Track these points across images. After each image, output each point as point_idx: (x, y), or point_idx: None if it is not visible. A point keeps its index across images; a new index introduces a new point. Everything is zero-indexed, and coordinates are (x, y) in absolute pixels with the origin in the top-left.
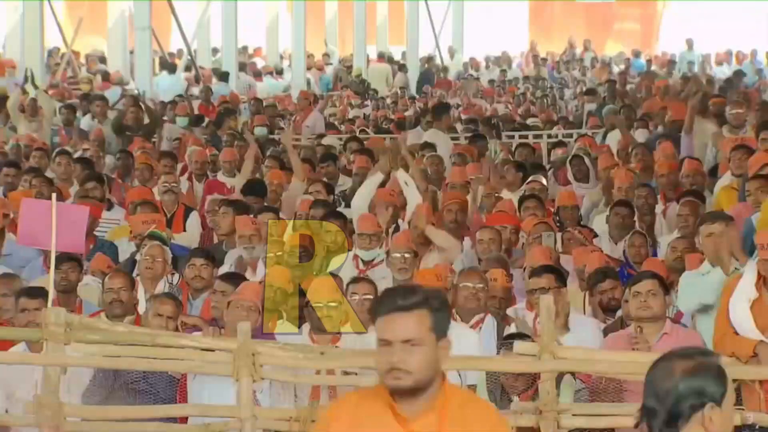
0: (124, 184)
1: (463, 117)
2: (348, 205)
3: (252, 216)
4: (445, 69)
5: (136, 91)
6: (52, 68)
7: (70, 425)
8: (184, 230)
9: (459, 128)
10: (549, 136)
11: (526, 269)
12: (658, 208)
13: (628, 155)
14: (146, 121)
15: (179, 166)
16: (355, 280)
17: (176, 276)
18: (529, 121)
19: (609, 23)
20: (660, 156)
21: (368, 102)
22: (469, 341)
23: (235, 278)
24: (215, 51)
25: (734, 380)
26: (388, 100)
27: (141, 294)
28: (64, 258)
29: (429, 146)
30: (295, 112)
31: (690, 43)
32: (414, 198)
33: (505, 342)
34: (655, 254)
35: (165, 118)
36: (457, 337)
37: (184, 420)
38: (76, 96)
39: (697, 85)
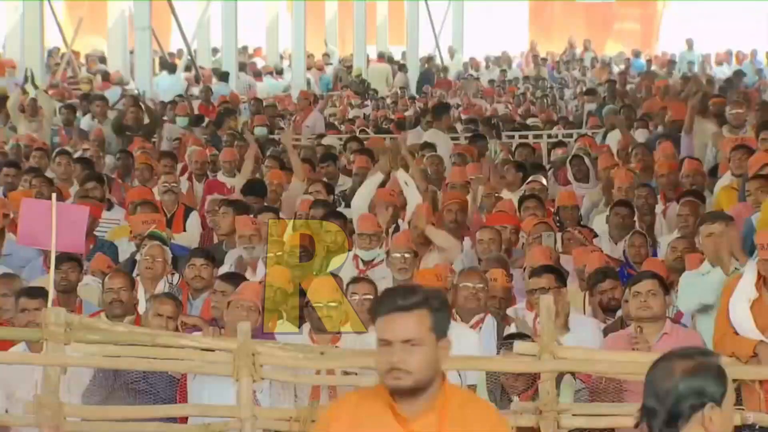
0: (124, 184)
1: (463, 117)
2: (348, 205)
3: (252, 216)
4: (445, 69)
5: (136, 91)
6: (52, 68)
7: (70, 425)
8: (184, 230)
9: (459, 128)
10: (549, 136)
11: (526, 269)
12: (658, 208)
13: (628, 155)
14: (146, 121)
15: (179, 166)
16: (355, 280)
17: (176, 276)
18: (529, 121)
19: (609, 23)
20: (660, 156)
21: (368, 102)
22: (469, 341)
23: (235, 278)
24: (215, 51)
25: (734, 380)
26: (388, 100)
27: (141, 294)
28: (64, 258)
29: (429, 146)
30: (295, 112)
31: (690, 43)
32: (414, 198)
33: (505, 342)
34: (655, 254)
35: (165, 118)
36: (457, 337)
37: (184, 420)
38: (76, 96)
39: (697, 85)
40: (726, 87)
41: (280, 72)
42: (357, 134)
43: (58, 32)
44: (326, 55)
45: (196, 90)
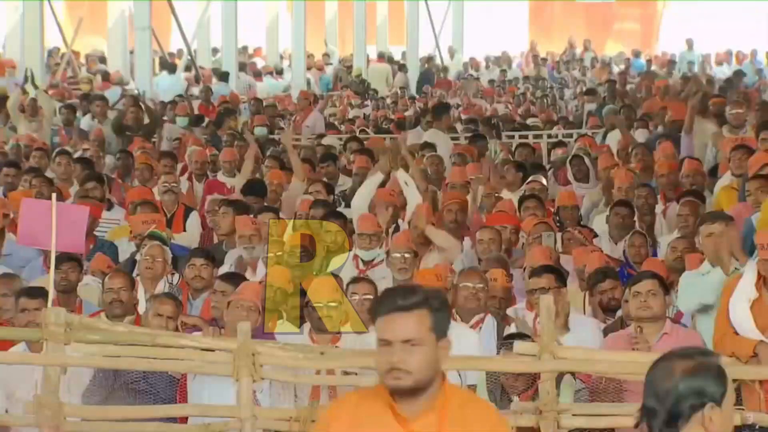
0: (124, 184)
1: (463, 117)
2: (348, 205)
3: (252, 216)
4: (445, 69)
5: (136, 91)
6: (52, 68)
7: (70, 425)
8: (184, 230)
9: (459, 128)
10: (549, 136)
11: (526, 269)
12: (658, 208)
13: (628, 155)
14: (146, 121)
15: (179, 166)
16: (355, 280)
17: (176, 276)
18: (529, 121)
19: (609, 23)
20: (660, 156)
21: (368, 102)
22: (469, 341)
23: (235, 278)
24: (215, 51)
25: (734, 380)
26: (388, 100)
27: (141, 294)
28: (64, 258)
29: (429, 146)
30: (295, 112)
31: (690, 43)
32: (414, 198)
33: (505, 342)
34: (655, 254)
35: (165, 118)
36: (457, 337)
37: (184, 420)
38: (76, 96)
39: (697, 85)
40: (726, 87)
41: (280, 72)
42: (357, 134)
43: (58, 32)
44: (326, 55)
45: (196, 90)
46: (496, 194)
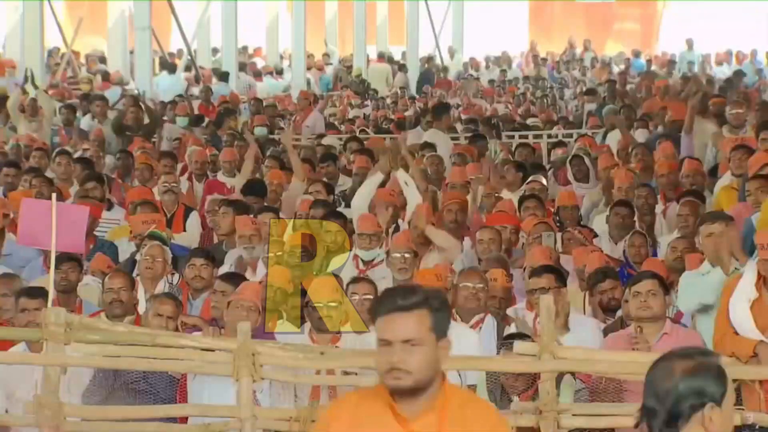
0: (124, 184)
1: (463, 117)
2: (348, 205)
3: (252, 216)
4: (445, 69)
5: (136, 91)
6: (52, 68)
7: (70, 425)
8: (184, 230)
9: (459, 128)
10: (549, 136)
11: (526, 269)
12: (658, 208)
13: (628, 155)
14: (146, 121)
15: (179, 166)
16: (355, 280)
17: (176, 276)
18: (529, 121)
19: (609, 23)
20: (660, 156)
21: (368, 102)
22: (469, 341)
23: (235, 278)
24: (215, 51)
25: (734, 380)
26: (388, 100)
27: (141, 294)
28: (64, 258)
29: (429, 146)
30: (295, 112)
31: (690, 43)
32: (414, 198)
33: (505, 342)
34: (655, 254)
35: (165, 118)
36: (457, 337)
37: (184, 420)
38: (76, 96)
39: (697, 85)
40: (726, 87)
41: (280, 72)
42: (357, 134)
43: (58, 32)
44: (326, 55)
45: (196, 90)
46: (496, 194)
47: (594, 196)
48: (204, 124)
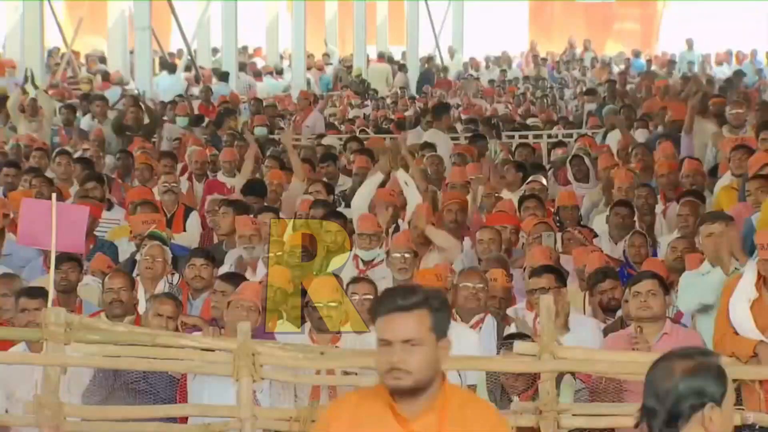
0: (124, 184)
1: (463, 117)
2: (348, 205)
3: (252, 216)
4: (445, 69)
5: (136, 91)
6: (52, 68)
7: (70, 425)
8: (184, 230)
9: (459, 128)
10: (549, 136)
11: (526, 269)
12: (658, 208)
13: (628, 155)
14: (146, 121)
15: (179, 166)
16: (355, 280)
17: (176, 276)
18: (529, 121)
19: (609, 23)
20: (660, 156)
21: (368, 102)
22: (469, 341)
23: (235, 278)
24: (215, 51)
25: (734, 380)
26: (388, 100)
27: (141, 294)
28: (64, 258)
29: (429, 146)
30: (295, 112)
31: (690, 43)
32: (414, 198)
33: (505, 342)
34: (655, 254)
35: (165, 118)
36: (457, 337)
37: (184, 420)
38: (76, 96)
39: (697, 85)
40: (726, 87)
41: (280, 72)
42: (357, 134)
43: (58, 32)
44: (326, 55)
45: (196, 90)
46: (496, 194)
47: (594, 196)
48: (204, 124)
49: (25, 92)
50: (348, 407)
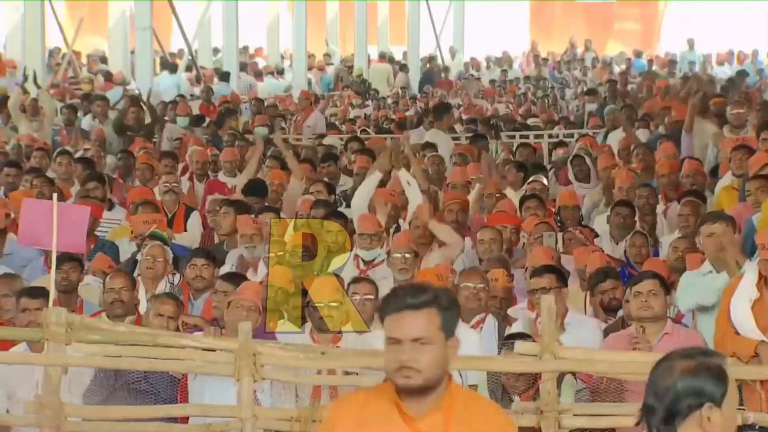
0: (125, 184)
1: (464, 117)
2: (349, 205)
3: (253, 216)
4: (446, 69)
5: (137, 91)
6: (53, 68)
7: (71, 425)
8: (185, 230)
9: (459, 129)
10: (550, 136)
11: (527, 269)
12: (659, 208)
13: (629, 155)
14: (147, 120)
15: (180, 166)
16: (355, 280)
17: (177, 276)
18: (530, 121)
19: (610, 23)
20: (661, 156)
21: (369, 102)
22: (470, 341)
23: (237, 278)
24: (216, 51)
25: (735, 380)
26: (389, 100)
27: (142, 294)
28: (65, 258)
29: (430, 146)
30: (296, 112)
31: (691, 43)
32: (416, 198)
33: (506, 342)
34: (656, 254)
35: (166, 118)
36: None
37: (185, 420)
38: (77, 96)
39: (698, 84)
40: (728, 87)
41: (281, 72)
42: (358, 134)
43: (59, 32)
44: (327, 55)
45: (197, 90)
46: (497, 194)
47: (595, 196)
48: (205, 124)
49: (25, 92)
50: (354, 406)
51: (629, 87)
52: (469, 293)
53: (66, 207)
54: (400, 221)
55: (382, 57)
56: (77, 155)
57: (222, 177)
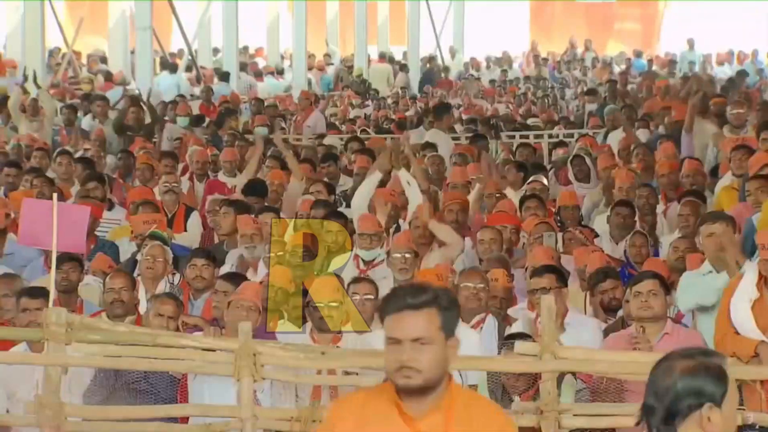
0: (125, 184)
1: (464, 117)
2: (349, 205)
3: (253, 216)
4: (446, 69)
5: (137, 91)
6: (53, 68)
7: (71, 425)
8: (185, 230)
9: (459, 129)
10: (550, 136)
11: (527, 269)
12: (659, 208)
13: (629, 155)
14: (147, 120)
15: (180, 166)
16: (355, 280)
17: (177, 276)
18: (530, 121)
19: (610, 23)
20: (661, 156)
21: (369, 102)
22: (470, 341)
23: (237, 278)
24: (216, 51)
25: (735, 380)
26: (389, 100)
27: (142, 294)
28: (65, 258)
29: (430, 146)
30: (296, 112)
31: (691, 43)
32: (416, 198)
33: (506, 342)
34: (656, 254)
35: (166, 118)
36: None
37: (185, 420)
38: (77, 96)
39: (698, 84)
40: (728, 87)
41: (281, 72)
42: (358, 134)
43: (59, 32)
44: (327, 55)
45: (197, 90)
46: (497, 194)
47: (595, 196)
48: (205, 124)
49: (25, 92)
50: (354, 406)
51: (629, 87)
52: (469, 293)
53: (66, 207)
54: (400, 221)
55: (382, 57)
56: (77, 155)
57: (222, 177)
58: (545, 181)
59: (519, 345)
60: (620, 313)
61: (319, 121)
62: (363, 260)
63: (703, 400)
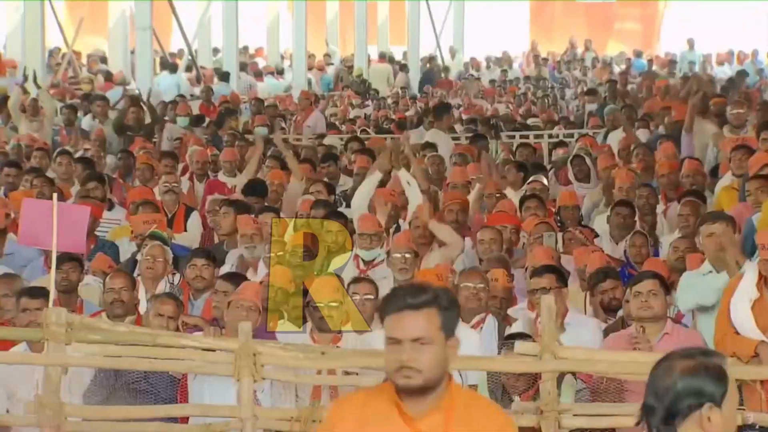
0: (125, 184)
1: (464, 117)
2: (349, 206)
3: (253, 216)
4: (446, 69)
5: (137, 91)
6: (53, 68)
7: (71, 425)
8: (185, 230)
9: (459, 129)
10: (550, 136)
11: (527, 269)
12: (659, 208)
13: (629, 155)
14: (147, 120)
15: (180, 166)
16: (356, 280)
17: (177, 276)
18: (530, 121)
19: (610, 23)
20: (661, 156)
21: (369, 102)
22: (470, 341)
23: (237, 278)
24: (216, 51)
25: (735, 380)
26: (389, 100)
27: (142, 294)
28: (65, 258)
29: (430, 146)
30: (296, 112)
31: (691, 43)
32: (416, 198)
33: (506, 342)
34: (656, 254)
35: (166, 118)
36: None
37: (185, 420)
38: (77, 96)
39: (698, 84)
40: (728, 87)
41: (281, 72)
42: (358, 134)
43: (59, 32)
44: (327, 55)
45: (197, 90)
46: (497, 194)
47: (595, 196)
48: (205, 124)
49: (25, 92)
50: (353, 406)
51: (629, 87)
52: (469, 293)
53: (66, 207)
54: (400, 221)
55: (382, 57)
56: (77, 155)
57: (222, 177)
58: (545, 181)
59: (519, 345)
60: (620, 313)
61: (319, 121)
62: (363, 260)
63: (703, 400)
